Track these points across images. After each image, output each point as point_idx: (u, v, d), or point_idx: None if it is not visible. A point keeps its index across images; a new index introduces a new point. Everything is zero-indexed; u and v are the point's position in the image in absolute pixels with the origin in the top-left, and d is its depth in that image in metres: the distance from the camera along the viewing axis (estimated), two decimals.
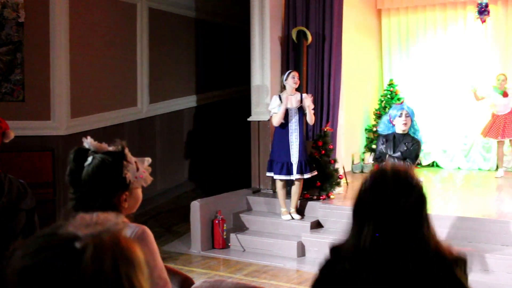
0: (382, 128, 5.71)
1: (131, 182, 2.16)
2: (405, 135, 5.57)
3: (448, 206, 7.46)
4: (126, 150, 2.17)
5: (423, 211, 1.79)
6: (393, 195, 1.77)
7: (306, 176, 7.32)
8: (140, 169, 2.21)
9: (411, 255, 1.73)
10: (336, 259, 1.87)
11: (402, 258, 1.72)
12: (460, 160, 10.73)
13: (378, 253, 1.73)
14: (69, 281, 0.96)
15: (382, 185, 1.81)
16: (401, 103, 6.46)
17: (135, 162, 2.21)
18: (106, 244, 1.00)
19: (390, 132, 5.60)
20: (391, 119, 5.59)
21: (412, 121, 5.57)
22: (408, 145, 5.44)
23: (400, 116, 5.49)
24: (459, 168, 10.70)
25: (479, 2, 9.77)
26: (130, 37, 9.08)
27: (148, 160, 2.26)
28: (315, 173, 7.44)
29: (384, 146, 5.66)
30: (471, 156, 10.66)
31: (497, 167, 9.75)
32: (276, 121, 7.28)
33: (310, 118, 7.32)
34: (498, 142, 9.50)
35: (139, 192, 2.25)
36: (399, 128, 5.49)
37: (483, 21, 9.77)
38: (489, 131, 9.40)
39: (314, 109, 7.39)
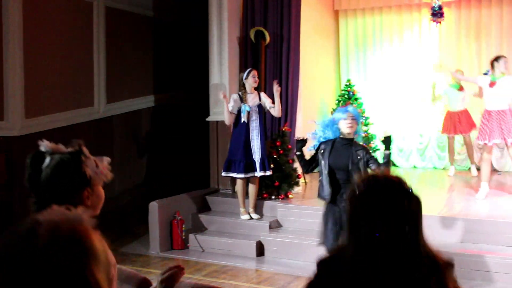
0: (327, 135, 5.13)
1: (91, 178, 2.14)
2: (351, 142, 5.10)
3: None
4: (84, 148, 2.15)
5: (420, 216, 1.81)
6: (391, 201, 1.77)
7: (269, 173, 7.36)
8: (99, 166, 2.19)
9: (409, 260, 1.74)
10: (327, 273, 1.84)
11: (401, 263, 1.73)
12: (415, 159, 10.96)
13: (378, 258, 1.73)
14: (26, 261, 1.02)
15: (378, 191, 1.79)
16: (346, 105, 6.09)
17: (94, 160, 2.19)
18: (63, 230, 1.06)
19: (332, 138, 5.11)
20: (335, 122, 5.15)
21: (358, 125, 5.10)
22: (362, 153, 5.00)
23: (345, 119, 5.03)
24: (415, 167, 10.92)
25: (433, 5, 10.00)
26: (86, 35, 8.94)
27: (107, 159, 2.24)
28: (271, 172, 7.48)
29: (322, 154, 5.14)
30: (426, 155, 10.90)
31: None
32: (226, 120, 7.37)
33: (278, 109, 7.35)
34: (449, 138, 9.73)
35: (101, 190, 2.22)
36: (344, 132, 5.14)
37: (437, 23, 10.01)
38: (446, 128, 9.63)
39: (273, 107, 7.41)
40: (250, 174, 7.32)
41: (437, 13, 10.16)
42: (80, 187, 2.13)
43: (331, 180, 5.06)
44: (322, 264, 1.87)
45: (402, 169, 10.85)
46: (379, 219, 1.75)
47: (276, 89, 7.29)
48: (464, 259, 5.94)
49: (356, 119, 5.07)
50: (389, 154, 5.15)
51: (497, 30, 10.33)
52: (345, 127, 5.05)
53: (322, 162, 5.10)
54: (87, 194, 2.15)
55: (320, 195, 5.17)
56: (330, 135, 5.11)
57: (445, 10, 10.15)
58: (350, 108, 5.19)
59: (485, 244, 6.27)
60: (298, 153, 5.42)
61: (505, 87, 7.32)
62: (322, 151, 5.13)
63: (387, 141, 5.16)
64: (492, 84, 7.39)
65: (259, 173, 7.29)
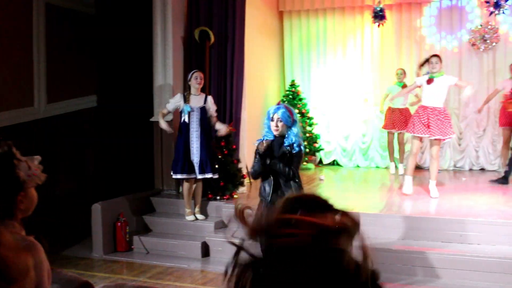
0: (269, 136, 5.08)
1: (25, 181, 2.08)
2: (283, 140, 5.05)
3: (347, 203, 7.70)
4: (14, 149, 2.08)
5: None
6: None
7: (207, 176, 7.33)
8: (32, 168, 2.13)
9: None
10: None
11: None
12: (359, 158, 11.17)
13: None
14: None
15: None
16: (278, 104, 5.92)
17: (25, 161, 2.13)
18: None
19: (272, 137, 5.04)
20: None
21: (289, 126, 4.97)
22: (287, 149, 4.96)
23: (272, 121, 4.99)
24: (358, 166, 11.13)
25: (375, 7, 10.22)
26: (25, 33, 8.70)
27: (37, 158, 2.18)
28: (216, 175, 7.45)
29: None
30: (369, 155, 11.12)
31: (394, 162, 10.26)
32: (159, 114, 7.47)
33: (216, 124, 7.40)
34: (389, 134, 9.98)
35: (34, 192, 2.17)
36: (274, 133, 5.00)
37: (379, 25, 10.25)
38: (386, 124, 9.88)
39: (217, 110, 7.44)
40: (193, 176, 7.28)
41: (378, 15, 10.40)
42: (13, 191, 2.07)
43: (274, 180, 5.02)
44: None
45: (345, 169, 11.04)
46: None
47: (212, 112, 7.36)
48: (406, 255, 6.09)
49: (283, 121, 4.98)
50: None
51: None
52: (272, 129, 5.03)
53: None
54: (20, 198, 2.09)
55: (261, 195, 5.13)
56: (270, 136, 5.09)
57: (386, 12, 10.41)
58: (280, 108, 5.08)
59: (425, 241, 6.43)
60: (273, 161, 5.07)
61: (441, 85, 7.59)
62: (267, 149, 5.05)
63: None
64: (429, 81, 7.64)
65: (198, 176, 7.26)
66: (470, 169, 10.41)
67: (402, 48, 10.88)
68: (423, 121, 7.56)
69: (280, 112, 5.02)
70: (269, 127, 5.07)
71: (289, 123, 5.01)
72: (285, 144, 4.99)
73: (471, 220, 6.42)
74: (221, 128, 7.35)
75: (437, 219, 6.57)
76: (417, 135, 7.66)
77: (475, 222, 6.38)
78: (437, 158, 7.82)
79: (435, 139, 7.56)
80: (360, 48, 11.10)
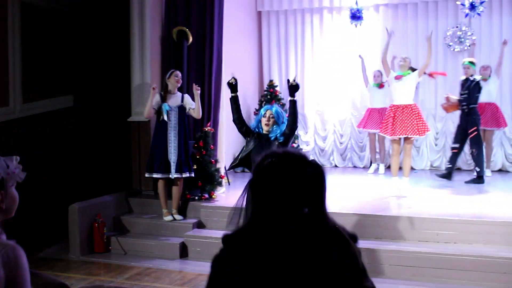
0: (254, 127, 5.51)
1: (4, 179, 2.06)
2: (272, 140, 5.35)
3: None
4: None
5: (324, 188, 1.83)
6: (295, 173, 1.78)
7: (185, 175, 7.32)
8: (10, 166, 2.11)
9: (319, 231, 1.76)
10: (235, 247, 1.82)
11: (310, 234, 1.75)
12: (336, 158, 11.23)
13: (285, 231, 1.75)
14: None
15: (281, 164, 1.81)
16: (272, 103, 6.41)
17: (4, 160, 2.10)
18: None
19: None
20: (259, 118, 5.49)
21: (277, 124, 5.32)
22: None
23: (264, 116, 5.34)
24: (336, 166, 11.19)
25: (353, 8, 10.30)
26: (0, 32, 8.59)
27: (16, 158, 2.16)
28: (193, 174, 7.45)
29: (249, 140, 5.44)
30: (346, 155, 11.20)
31: (371, 163, 10.35)
32: (145, 112, 7.44)
33: (198, 110, 7.38)
34: (369, 135, 10.09)
35: (15, 191, 2.14)
36: (263, 128, 5.41)
37: (357, 25, 10.34)
38: (366, 123, 9.98)
39: (193, 109, 7.42)
40: (166, 175, 7.26)
41: (356, 16, 10.47)
42: None
43: None
44: (227, 240, 1.86)
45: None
46: (283, 191, 1.77)
47: (195, 88, 7.33)
48: (382, 255, 6.15)
49: (275, 117, 5.32)
50: (294, 101, 5.46)
51: (412, 34, 10.74)
52: (263, 124, 5.36)
53: (249, 146, 5.36)
54: (0, 197, 2.07)
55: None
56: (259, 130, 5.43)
57: (364, 13, 10.49)
58: (274, 106, 5.46)
59: (402, 240, 6.49)
60: (233, 94, 5.70)
61: (409, 81, 7.87)
62: (253, 135, 5.41)
63: (292, 88, 5.48)
64: (398, 77, 7.83)
65: (174, 175, 7.24)
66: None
67: (379, 49, 10.95)
68: (396, 121, 7.72)
69: (274, 109, 5.40)
70: (258, 122, 5.42)
71: (280, 121, 5.35)
72: (271, 139, 5.31)
73: (447, 219, 6.50)
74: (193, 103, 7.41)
75: (413, 218, 6.62)
76: (392, 137, 7.82)
77: (451, 221, 6.45)
78: (410, 155, 8.00)
79: (408, 137, 7.78)
80: (337, 48, 11.15)
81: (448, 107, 8.82)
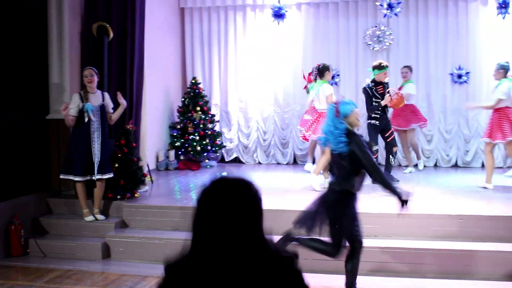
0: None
1: None
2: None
3: None
4: None
5: (261, 212, 1.84)
6: (235, 204, 1.78)
7: (107, 176, 7.18)
8: None
9: (257, 256, 1.76)
10: (175, 276, 1.81)
11: (249, 261, 1.75)
12: (260, 155, 11.32)
13: (225, 258, 1.74)
14: None
15: (222, 193, 1.80)
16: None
17: None
18: None
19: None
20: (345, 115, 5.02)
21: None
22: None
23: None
24: (259, 163, 11.28)
25: (274, 6, 10.40)
26: None
27: None
28: (112, 175, 7.30)
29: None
30: (270, 152, 11.30)
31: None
32: (67, 123, 7.14)
33: (115, 119, 7.26)
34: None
35: None
36: (357, 124, 5.09)
37: (279, 23, 10.46)
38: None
39: (112, 113, 7.31)
40: (88, 177, 7.08)
41: (278, 14, 10.59)
42: None
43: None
44: (170, 268, 1.85)
45: (247, 166, 11.16)
46: (222, 220, 1.76)
47: (119, 98, 7.26)
48: (302, 250, 6.23)
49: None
50: None
51: (333, 33, 10.97)
52: (359, 123, 5.16)
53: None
54: None
55: (349, 187, 5.00)
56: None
57: (287, 12, 10.64)
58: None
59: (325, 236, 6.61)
60: None
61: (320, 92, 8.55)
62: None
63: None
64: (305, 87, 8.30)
65: (96, 176, 7.08)
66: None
67: (301, 47, 11.13)
68: (315, 124, 8.42)
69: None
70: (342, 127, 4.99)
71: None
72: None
73: (369, 213, 6.67)
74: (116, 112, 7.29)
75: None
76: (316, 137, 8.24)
77: (371, 215, 6.63)
78: (322, 154, 8.29)
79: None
80: (260, 46, 11.23)
81: (396, 102, 8.79)
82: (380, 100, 8.52)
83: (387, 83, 8.74)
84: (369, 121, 8.69)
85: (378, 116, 8.60)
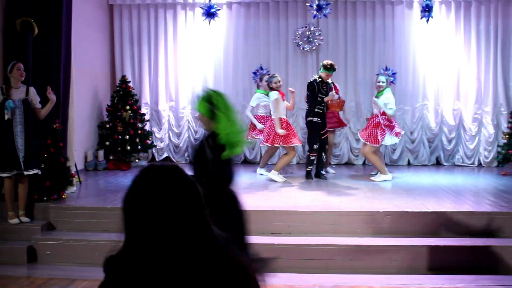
0: None
1: None
2: None
3: None
4: None
5: (200, 204, 1.76)
6: (170, 191, 1.70)
7: (32, 172, 6.93)
8: None
9: (195, 245, 1.69)
10: (117, 276, 1.73)
11: (188, 250, 1.69)
12: (191, 154, 11.27)
13: (161, 251, 1.67)
14: None
15: (154, 182, 1.71)
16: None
17: None
18: None
19: None
20: None
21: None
22: None
23: None
24: (190, 162, 11.21)
25: (205, 5, 10.37)
26: None
27: None
28: (39, 171, 7.07)
29: None
30: None
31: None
32: None
33: (44, 113, 7.05)
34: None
35: None
36: None
37: (210, 22, 10.45)
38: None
39: (40, 108, 7.07)
40: (14, 172, 6.84)
41: (209, 13, 10.56)
42: None
43: None
44: (109, 268, 1.77)
45: (179, 165, 11.05)
46: (158, 212, 1.68)
47: (49, 94, 7.05)
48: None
49: None
50: None
51: (264, 32, 11.06)
52: None
53: None
54: None
55: None
56: None
57: (219, 10, 10.62)
58: None
59: (255, 234, 6.63)
60: None
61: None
62: None
63: None
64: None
65: (24, 172, 6.84)
66: (298, 163, 11.00)
67: (232, 46, 11.15)
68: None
69: None
70: None
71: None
72: None
73: (298, 211, 6.76)
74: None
75: (267, 212, 6.80)
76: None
77: (302, 213, 6.72)
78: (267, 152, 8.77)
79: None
80: (191, 44, 11.18)
81: (336, 104, 9.01)
82: (324, 97, 8.88)
83: (330, 84, 9.11)
84: (311, 118, 8.84)
85: (321, 112, 8.82)
